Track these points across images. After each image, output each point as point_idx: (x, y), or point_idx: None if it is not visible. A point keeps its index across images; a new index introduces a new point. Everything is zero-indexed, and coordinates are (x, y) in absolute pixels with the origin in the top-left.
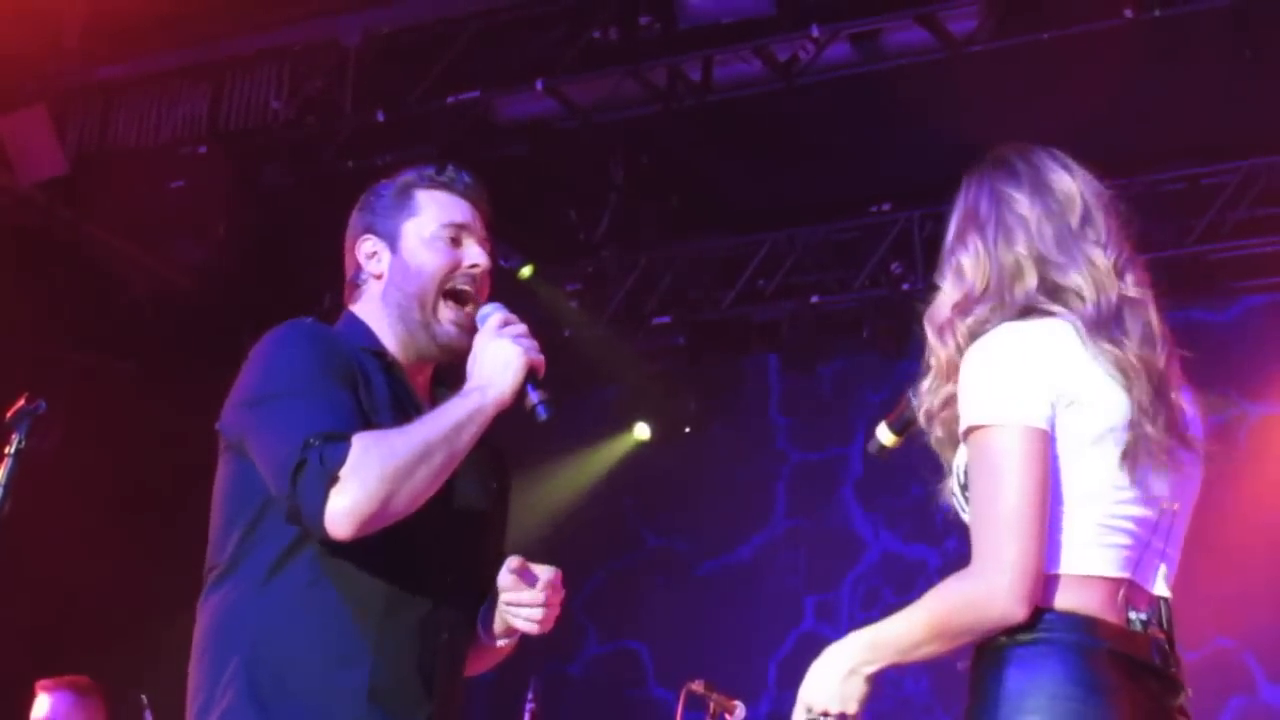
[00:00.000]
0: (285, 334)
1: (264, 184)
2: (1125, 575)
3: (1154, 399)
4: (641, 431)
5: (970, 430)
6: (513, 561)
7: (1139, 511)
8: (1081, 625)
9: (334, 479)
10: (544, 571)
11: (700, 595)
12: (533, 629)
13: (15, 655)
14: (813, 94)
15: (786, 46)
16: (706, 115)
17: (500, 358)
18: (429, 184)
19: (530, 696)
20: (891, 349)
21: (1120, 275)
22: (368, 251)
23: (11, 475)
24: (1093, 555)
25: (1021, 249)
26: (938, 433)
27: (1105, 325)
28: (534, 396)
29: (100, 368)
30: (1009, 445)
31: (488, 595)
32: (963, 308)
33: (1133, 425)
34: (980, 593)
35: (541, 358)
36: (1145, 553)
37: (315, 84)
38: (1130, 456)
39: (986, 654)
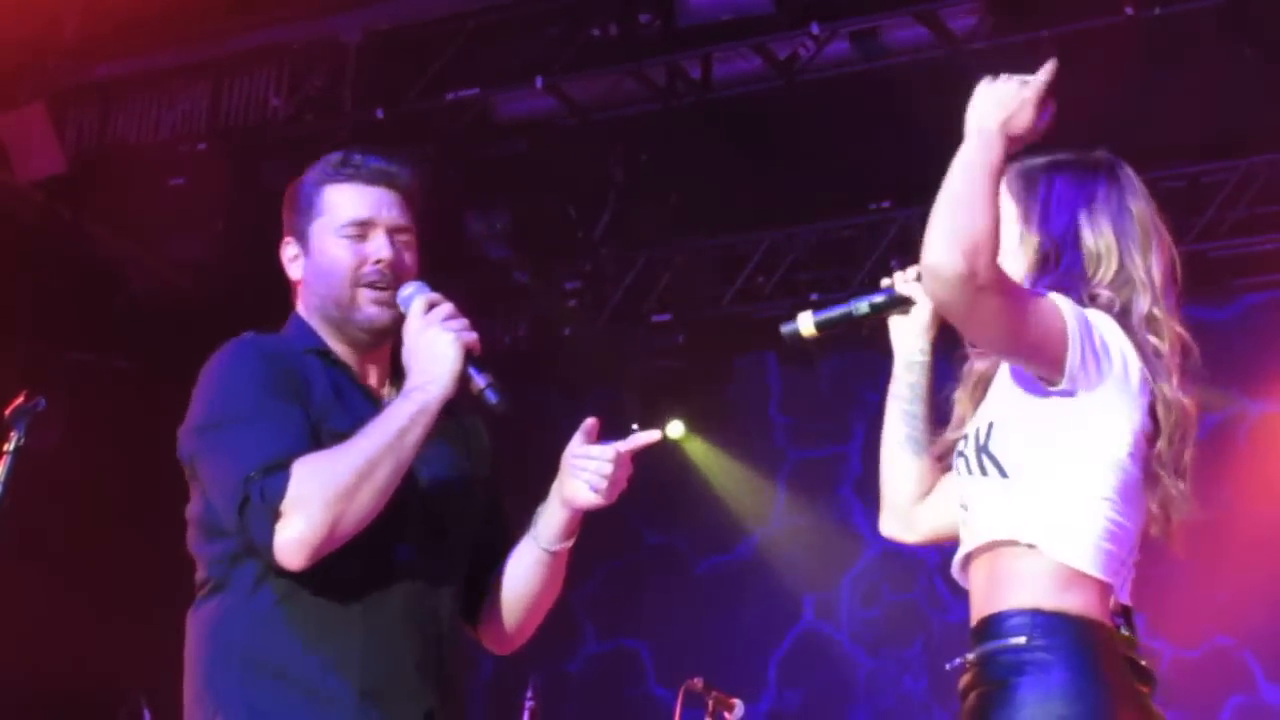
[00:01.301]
0: (226, 355)
1: (264, 182)
2: (1112, 582)
3: (1184, 438)
4: (675, 429)
5: None
6: (588, 422)
7: (1130, 524)
8: (1093, 629)
9: (277, 514)
10: (617, 445)
11: (699, 593)
12: (597, 484)
13: (15, 656)
14: (812, 91)
15: (786, 44)
16: (706, 113)
17: (433, 350)
18: (333, 178)
19: (529, 695)
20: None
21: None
22: (289, 256)
23: (10, 473)
24: (1095, 557)
25: (1140, 272)
26: (969, 384)
27: (1171, 367)
28: (480, 380)
29: (99, 365)
30: (1056, 302)
31: (478, 576)
32: (1091, 288)
33: (1160, 449)
34: None
35: (474, 335)
36: (1124, 564)
37: (315, 81)
38: (1151, 479)
39: (998, 657)
